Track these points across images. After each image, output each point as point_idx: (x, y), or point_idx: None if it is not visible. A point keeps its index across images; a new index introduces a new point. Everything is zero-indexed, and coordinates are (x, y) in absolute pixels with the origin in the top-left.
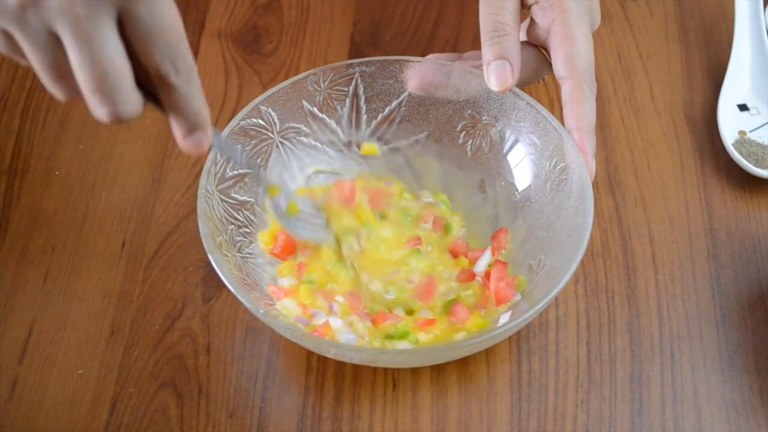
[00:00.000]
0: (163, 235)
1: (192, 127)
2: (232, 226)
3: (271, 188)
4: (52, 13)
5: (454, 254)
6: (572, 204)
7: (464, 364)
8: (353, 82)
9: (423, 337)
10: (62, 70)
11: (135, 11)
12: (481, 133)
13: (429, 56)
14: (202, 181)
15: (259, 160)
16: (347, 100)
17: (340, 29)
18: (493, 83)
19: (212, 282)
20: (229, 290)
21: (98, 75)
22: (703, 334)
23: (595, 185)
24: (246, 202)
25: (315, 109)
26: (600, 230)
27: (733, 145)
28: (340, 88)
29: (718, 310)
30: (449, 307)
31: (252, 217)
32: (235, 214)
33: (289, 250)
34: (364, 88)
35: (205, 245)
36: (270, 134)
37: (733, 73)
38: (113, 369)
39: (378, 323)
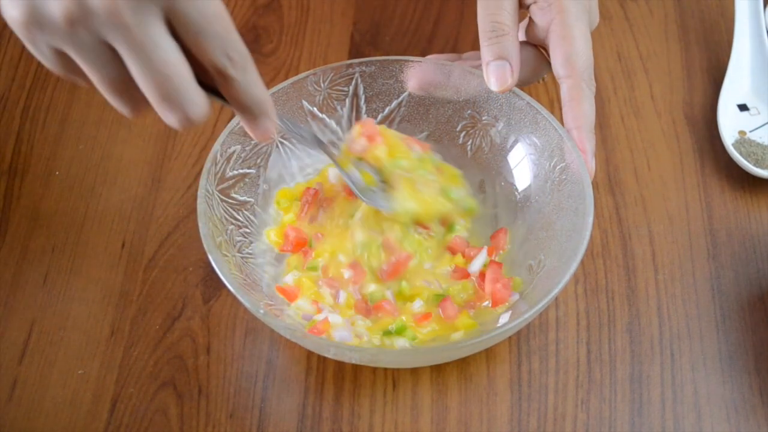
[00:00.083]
0: (163, 235)
1: (256, 116)
2: (232, 226)
3: (342, 162)
4: (101, 26)
5: (453, 251)
6: (572, 204)
7: (464, 364)
8: (353, 82)
9: (420, 333)
10: (124, 82)
11: (181, 8)
12: (481, 133)
13: (429, 57)
14: (202, 181)
15: (258, 160)
16: (347, 100)
17: (340, 29)
18: (493, 83)
19: (212, 282)
20: (229, 290)
21: (161, 80)
22: (703, 334)
23: (595, 185)
24: (246, 202)
25: (315, 109)
26: (600, 230)
27: (733, 145)
28: (340, 88)
29: (718, 310)
30: (438, 300)
31: (252, 217)
32: (235, 214)
33: (300, 244)
34: (364, 88)
35: (205, 245)
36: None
37: (733, 73)
38: (113, 369)
39: (374, 313)
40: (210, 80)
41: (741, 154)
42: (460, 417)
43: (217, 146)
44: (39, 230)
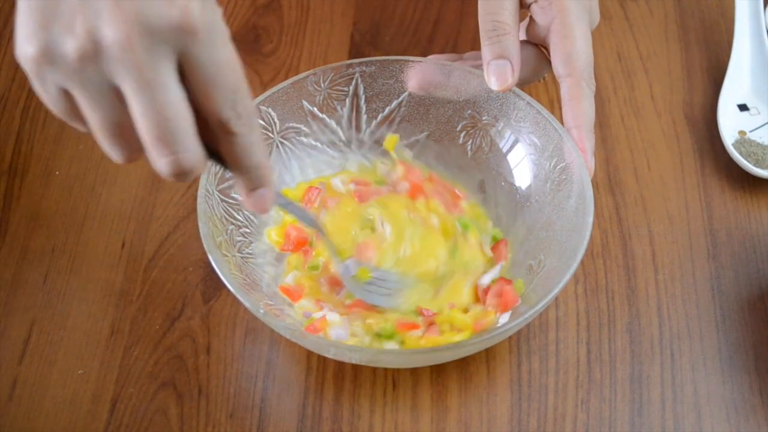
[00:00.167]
0: (163, 235)
1: (255, 183)
2: (232, 226)
3: (341, 252)
4: (113, 64)
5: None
6: (572, 204)
7: (464, 364)
8: (353, 82)
9: (408, 338)
10: (122, 126)
11: (195, 54)
12: (481, 133)
13: (430, 57)
14: (202, 181)
15: None
16: (347, 100)
17: (340, 29)
18: (494, 83)
19: (212, 282)
20: (229, 290)
21: (160, 121)
22: (703, 334)
23: (595, 185)
24: None
25: (315, 109)
26: (600, 230)
27: (733, 145)
28: (340, 88)
29: (718, 310)
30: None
31: (252, 217)
32: (235, 214)
33: (301, 243)
34: (364, 88)
35: (205, 245)
36: (270, 134)
37: (733, 73)
38: (113, 369)
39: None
40: (212, 142)
41: (741, 154)
42: (460, 417)
43: None
44: (39, 230)
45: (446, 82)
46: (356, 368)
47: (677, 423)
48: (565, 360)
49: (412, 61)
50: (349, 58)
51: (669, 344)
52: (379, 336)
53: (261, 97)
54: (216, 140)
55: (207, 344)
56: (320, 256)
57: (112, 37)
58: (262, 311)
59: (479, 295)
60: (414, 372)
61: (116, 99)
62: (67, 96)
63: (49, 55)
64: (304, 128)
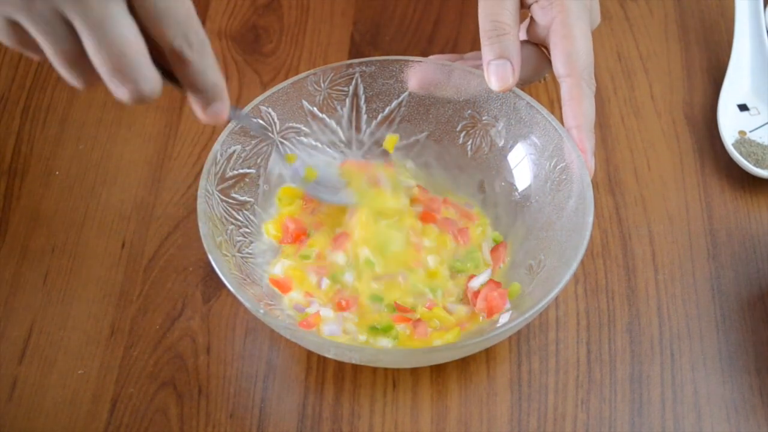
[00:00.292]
0: (163, 235)
1: (210, 99)
2: (232, 226)
3: (288, 156)
4: (61, 1)
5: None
6: (572, 204)
7: (464, 364)
8: (353, 82)
9: (403, 333)
10: (77, 56)
11: None
12: (481, 133)
13: (431, 57)
14: (202, 181)
15: (258, 160)
16: (347, 100)
17: (340, 29)
18: (494, 83)
19: (212, 282)
20: (229, 290)
21: (115, 56)
22: (703, 334)
23: (595, 185)
24: (246, 202)
25: (315, 109)
26: (600, 230)
27: (733, 145)
28: (340, 88)
29: (718, 310)
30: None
31: (252, 217)
32: (235, 214)
33: (299, 235)
34: (364, 88)
35: (205, 245)
36: (270, 134)
37: (733, 73)
38: (113, 369)
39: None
40: (165, 63)
41: (741, 154)
42: (460, 417)
43: (217, 146)
44: (39, 230)
45: (446, 82)
46: (356, 368)
47: (677, 423)
48: (565, 360)
49: (412, 61)
50: (349, 58)
51: (669, 344)
52: (374, 330)
53: (261, 97)
54: (170, 64)
55: (207, 344)
56: (314, 246)
57: None
58: (262, 311)
59: (469, 297)
60: (414, 372)
61: (68, 30)
62: (16, 27)
63: None
64: (304, 128)
